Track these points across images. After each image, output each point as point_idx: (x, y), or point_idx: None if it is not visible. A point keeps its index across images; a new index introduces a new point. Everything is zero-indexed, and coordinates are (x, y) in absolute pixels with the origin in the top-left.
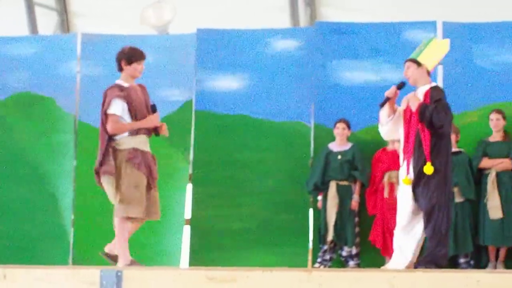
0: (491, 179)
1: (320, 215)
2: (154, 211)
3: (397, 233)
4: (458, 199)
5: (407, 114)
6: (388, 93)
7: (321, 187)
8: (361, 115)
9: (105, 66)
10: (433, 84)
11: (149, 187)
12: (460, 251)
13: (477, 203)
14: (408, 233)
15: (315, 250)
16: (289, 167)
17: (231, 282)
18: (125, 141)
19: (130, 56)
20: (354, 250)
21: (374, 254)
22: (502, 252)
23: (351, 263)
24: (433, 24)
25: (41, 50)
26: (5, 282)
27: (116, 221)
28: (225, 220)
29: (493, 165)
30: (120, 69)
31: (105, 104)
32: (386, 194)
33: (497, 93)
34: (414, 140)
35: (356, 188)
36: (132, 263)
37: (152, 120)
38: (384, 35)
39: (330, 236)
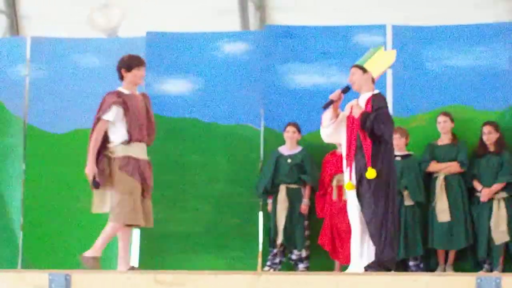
0: (439, 183)
1: (270, 218)
2: (149, 218)
3: (354, 238)
4: (407, 202)
5: (350, 120)
6: (332, 96)
7: (271, 191)
8: (310, 119)
9: (54, 69)
10: (376, 91)
11: (143, 194)
12: (410, 254)
13: (426, 207)
14: (364, 238)
15: (265, 254)
16: (238, 170)
17: (180, 286)
18: (118, 149)
19: (129, 63)
20: (303, 253)
21: (324, 258)
22: (451, 255)
23: (301, 266)
24: (382, 27)
25: None
26: None
27: (111, 226)
28: (174, 224)
29: (441, 169)
30: (121, 77)
31: (100, 109)
32: (334, 196)
33: (447, 96)
34: (356, 146)
35: (306, 192)
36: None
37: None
38: (333, 39)
39: (280, 239)
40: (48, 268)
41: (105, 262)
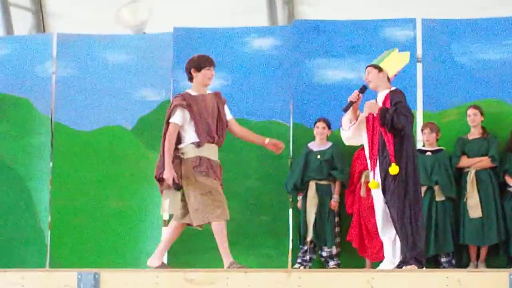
0: (470, 178)
1: (300, 215)
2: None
3: (384, 237)
4: (438, 197)
5: (370, 119)
6: (351, 97)
7: (301, 187)
8: (340, 114)
9: (80, 67)
10: (393, 88)
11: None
12: (441, 251)
13: (458, 202)
14: (392, 235)
15: (295, 251)
16: (267, 167)
17: (210, 284)
18: (189, 150)
19: (199, 62)
20: (334, 250)
21: (354, 255)
22: (483, 252)
23: (331, 263)
24: (412, 21)
25: (16, 51)
26: None
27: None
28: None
29: (472, 164)
30: (190, 78)
31: (169, 111)
32: (362, 193)
33: (477, 90)
34: (378, 144)
35: (336, 188)
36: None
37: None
38: (362, 33)
39: (309, 237)
40: (75, 267)
41: (132, 260)
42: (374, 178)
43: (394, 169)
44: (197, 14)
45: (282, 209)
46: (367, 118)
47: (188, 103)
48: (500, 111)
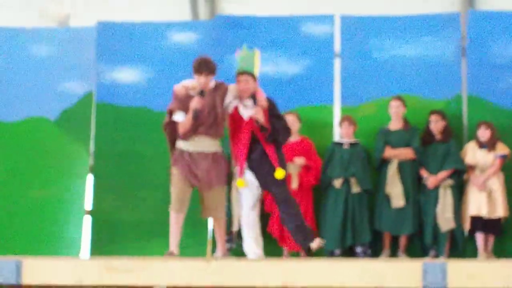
0: (392, 168)
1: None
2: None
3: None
4: (355, 189)
5: (237, 119)
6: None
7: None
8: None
9: (5, 59)
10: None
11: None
12: (357, 241)
13: (374, 192)
14: None
15: (214, 241)
16: None
17: (129, 272)
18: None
19: (193, 66)
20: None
21: (273, 245)
22: (403, 241)
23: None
24: (330, 17)
25: None
26: None
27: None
28: (125, 212)
29: (396, 155)
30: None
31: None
32: None
33: (395, 85)
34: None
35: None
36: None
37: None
38: (282, 29)
39: (235, 227)
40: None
41: (54, 248)
42: (240, 177)
43: (280, 173)
44: (121, 8)
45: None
46: (234, 117)
47: (184, 103)
48: (415, 106)
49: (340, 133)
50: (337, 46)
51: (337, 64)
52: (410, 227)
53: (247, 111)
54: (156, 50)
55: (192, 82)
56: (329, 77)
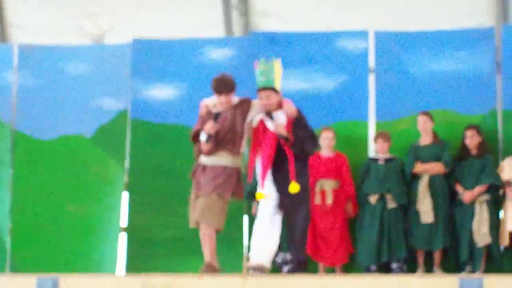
0: (423, 184)
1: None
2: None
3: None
4: (391, 205)
5: (261, 131)
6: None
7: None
8: None
9: (41, 77)
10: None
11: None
12: (393, 257)
13: (408, 208)
14: None
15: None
16: None
17: None
18: None
19: (212, 86)
20: (288, 256)
21: (308, 260)
22: (437, 257)
23: (285, 268)
24: (365, 33)
25: None
26: None
27: None
28: (161, 229)
29: (426, 170)
30: None
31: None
32: (318, 201)
33: (430, 100)
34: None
35: None
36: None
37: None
38: (317, 45)
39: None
40: (35, 272)
41: (91, 265)
42: (261, 189)
43: (294, 187)
44: (156, 25)
45: (237, 216)
46: (258, 131)
47: (204, 122)
48: (451, 121)
49: (375, 149)
50: (372, 61)
51: (371, 79)
52: (441, 242)
53: (272, 124)
54: (191, 67)
55: (213, 101)
56: (364, 93)
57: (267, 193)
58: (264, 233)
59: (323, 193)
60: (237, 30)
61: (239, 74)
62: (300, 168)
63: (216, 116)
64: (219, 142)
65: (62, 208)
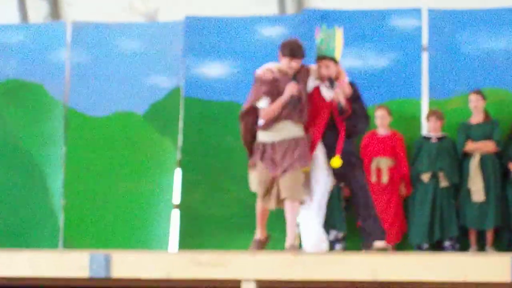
0: (474, 162)
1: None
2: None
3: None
4: (443, 183)
5: (316, 101)
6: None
7: None
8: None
9: (94, 54)
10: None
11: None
12: (445, 235)
13: (460, 187)
14: None
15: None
16: None
17: (218, 266)
18: None
19: (280, 49)
20: (340, 234)
21: (359, 238)
22: (489, 236)
23: (337, 246)
24: (418, 11)
25: (30, 38)
26: None
27: None
28: (213, 206)
29: (477, 148)
30: None
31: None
32: (373, 179)
33: (482, 79)
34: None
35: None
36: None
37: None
38: (369, 22)
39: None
40: (88, 249)
41: (143, 242)
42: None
43: (336, 162)
44: (209, 3)
45: None
46: (314, 99)
47: (270, 88)
48: (504, 100)
49: (427, 127)
50: (425, 39)
51: (425, 57)
52: (492, 221)
53: (329, 93)
54: (244, 45)
55: (277, 66)
56: (417, 71)
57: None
58: (319, 214)
59: (378, 171)
60: (290, 7)
61: None
62: (348, 146)
63: (295, 77)
64: (283, 110)
65: (115, 185)
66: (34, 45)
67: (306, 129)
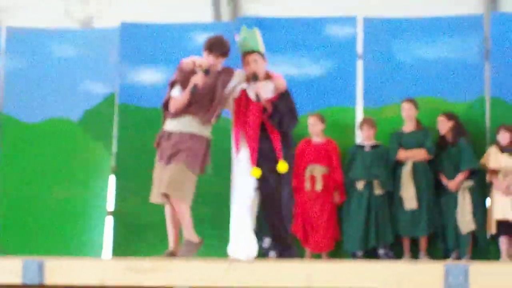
0: (407, 170)
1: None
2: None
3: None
4: (378, 191)
5: (244, 104)
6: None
7: None
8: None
9: (28, 60)
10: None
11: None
12: (380, 243)
13: (393, 194)
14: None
15: None
16: (213, 158)
17: (153, 272)
18: None
19: (204, 45)
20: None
21: (296, 246)
22: (423, 243)
23: (272, 254)
24: (353, 19)
25: None
26: None
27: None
28: (148, 212)
29: (409, 156)
30: None
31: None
32: (308, 187)
33: (417, 87)
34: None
35: None
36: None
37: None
38: (304, 30)
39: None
40: (22, 255)
41: (77, 248)
42: (253, 165)
43: (283, 166)
44: (144, 9)
45: (224, 200)
46: (241, 101)
47: (185, 78)
48: (437, 108)
49: (361, 136)
50: (360, 48)
51: (360, 65)
52: (425, 229)
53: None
54: (179, 51)
55: (201, 59)
56: (352, 79)
57: (246, 170)
58: (244, 221)
59: (312, 179)
60: (225, 15)
61: (227, 59)
62: (284, 147)
63: (206, 72)
64: (192, 104)
65: (48, 192)
66: None
67: (237, 132)
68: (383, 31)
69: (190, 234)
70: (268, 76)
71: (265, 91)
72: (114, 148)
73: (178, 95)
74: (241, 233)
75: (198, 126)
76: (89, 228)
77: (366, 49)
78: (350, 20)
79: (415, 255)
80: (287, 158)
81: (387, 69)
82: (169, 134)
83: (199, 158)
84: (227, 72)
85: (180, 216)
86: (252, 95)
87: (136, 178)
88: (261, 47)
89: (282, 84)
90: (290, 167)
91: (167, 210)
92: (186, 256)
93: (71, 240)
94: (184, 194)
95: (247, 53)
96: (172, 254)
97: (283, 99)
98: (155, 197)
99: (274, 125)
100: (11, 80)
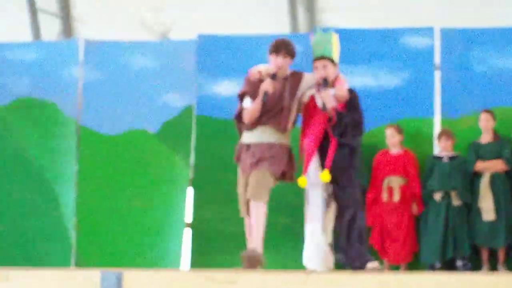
0: (485, 181)
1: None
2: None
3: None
4: (456, 202)
5: (312, 110)
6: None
7: None
8: (367, 118)
9: (106, 72)
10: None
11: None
12: (457, 254)
13: (471, 206)
14: None
15: None
16: None
17: (231, 284)
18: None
19: (270, 47)
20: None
21: (375, 257)
22: (501, 254)
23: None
24: (430, 30)
25: (43, 56)
26: (7, 284)
27: None
28: (226, 223)
29: (487, 168)
30: None
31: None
32: (385, 198)
33: (495, 97)
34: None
35: None
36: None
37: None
38: (381, 41)
39: (329, 240)
40: (100, 267)
41: (155, 260)
42: (304, 174)
43: (325, 176)
44: (221, 22)
45: (300, 211)
46: (310, 108)
47: (252, 88)
48: None
49: (439, 147)
50: (437, 58)
51: (437, 76)
52: (503, 240)
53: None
54: (256, 63)
55: (266, 66)
56: (429, 90)
57: (314, 180)
58: (318, 229)
59: (390, 190)
60: (302, 26)
61: (305, 70)
62: (354, 162)
63: (273, 76)
64: (264, 114)
65: (127, 204)
66: (47, 63)
67: (302, 140)
68: (460, 41)
69: (258, 243)
70: (333, 83)
71: (332, 99)
72: (192, 160)
73: (250, 106)
74: (315, 243)
75: (275, 135)
76: (167, 240)
77: (443, 59)
78: (427, 31)
79: (493, 266)
80: (353, 169)
81: (464, 79)
82: (248, 146)
83: (282, 166)
84: (296, 76)
85: (255, 220)
86: (319, 103)
87: (213, 190)
88: (335, 53)
89: (342, 91)
90: (355, 179)
91: (247, 222)
92: (250, 267)
93: (149, 252)
94: (263, 195)
95: (316, 58)
96: (253, 252)
97: (350, 109)
98: (243, 212)
99: (335, 137)
100: (89, 92)
